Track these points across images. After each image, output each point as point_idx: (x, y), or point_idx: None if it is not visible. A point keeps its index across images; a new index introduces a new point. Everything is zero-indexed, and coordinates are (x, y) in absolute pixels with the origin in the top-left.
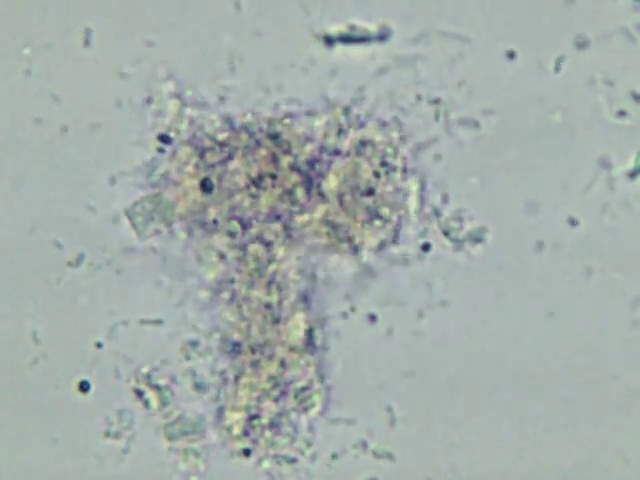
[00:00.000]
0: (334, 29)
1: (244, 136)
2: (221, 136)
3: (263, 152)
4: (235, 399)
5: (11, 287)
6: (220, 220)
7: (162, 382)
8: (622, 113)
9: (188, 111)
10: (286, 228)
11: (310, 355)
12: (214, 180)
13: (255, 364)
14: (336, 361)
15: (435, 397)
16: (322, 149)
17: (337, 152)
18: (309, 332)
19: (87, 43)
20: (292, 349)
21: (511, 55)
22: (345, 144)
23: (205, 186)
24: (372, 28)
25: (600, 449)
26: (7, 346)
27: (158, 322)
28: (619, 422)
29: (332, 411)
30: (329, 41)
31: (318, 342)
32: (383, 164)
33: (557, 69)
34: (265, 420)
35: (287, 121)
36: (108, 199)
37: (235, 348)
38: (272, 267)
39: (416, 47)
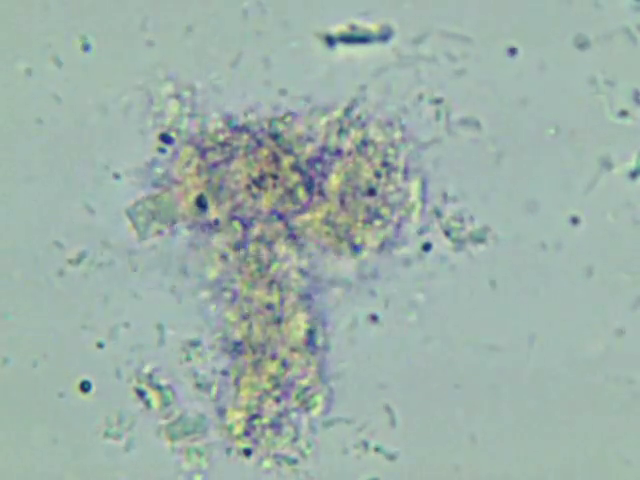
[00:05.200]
0: (336, 29)
1: (245, 136)
2: (222, 136)
3: (264, 152)
4: (236, 399)
5: (11, 287)
6: (221, 220)
7: (163, 382)
8: (623, 113)
9: (188, 111)
10: (287, 228)
11: (311, 355)
12: (208, 198)
13: (256, 364)
14: (337, 361)
15: (435, 397)
16: (323, 149)
17: (338, 152)
18: (310, 332)
19: (86, 48)
20: (293, 349)
21: (512, 51)
22: (346, 144)
23: (200, 203)
24: (373, 28)
25: (601, 449)
26: (7, 346)
27: (159, 328)
28: (620, 422)
29: (334, 411)
30: (330, 41)
31: (319, 342)
32: (384, 164)
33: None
34: (266, 420)
35: (288, 119)
36: (109, 199)
37: (236, 348)
38: (273, 267)
39: (417, 47)
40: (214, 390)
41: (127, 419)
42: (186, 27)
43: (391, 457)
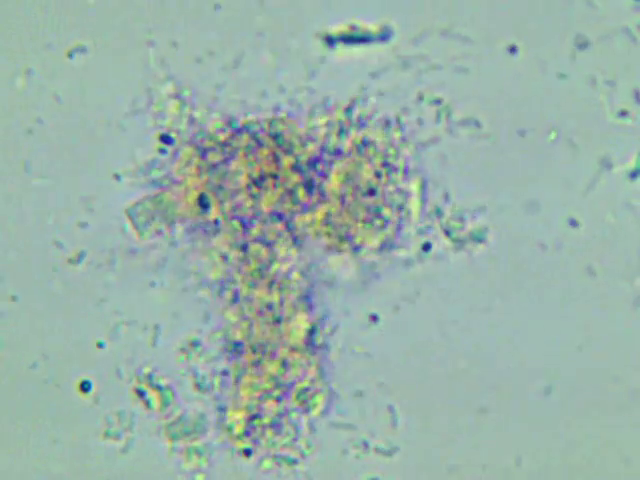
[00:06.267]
0: (335, 29)
1: (245, 136)
2: (222, 136)
3: (264, 152)
4: (236, 399)
5: (11, 287)
6: (221, 220)
7: (163, 382)
8: (623, 113)
9: (188, 111)
10: (287, 228)
11: (311, 355)
12: (211, 197)
13: (256, 364)
14: (337, 361)
15: (436, 397)
16: (323, 149)
17: (338, 152)
18: (310, 332)
19: (74, 53)
20: (293, 349)
21: (512, 49)
22: (346, 144)
23: (202, 203)
24: (373, 28)
25: (601, 449)
26: (7, 346)
27: (156, 328)
28: (620, 422)
29: (334, 411)
30: (330, 41)
31: (319, 342)
32: (384, 164)
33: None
34: (266, 420)
35: (284, 115)
36: (109, 199)
37: (237, 348)
38: (274, 267)
39: (417, 47)
40: (217, 382)
41: (127, 419)
42: (186, 27)
43: (389, 453)
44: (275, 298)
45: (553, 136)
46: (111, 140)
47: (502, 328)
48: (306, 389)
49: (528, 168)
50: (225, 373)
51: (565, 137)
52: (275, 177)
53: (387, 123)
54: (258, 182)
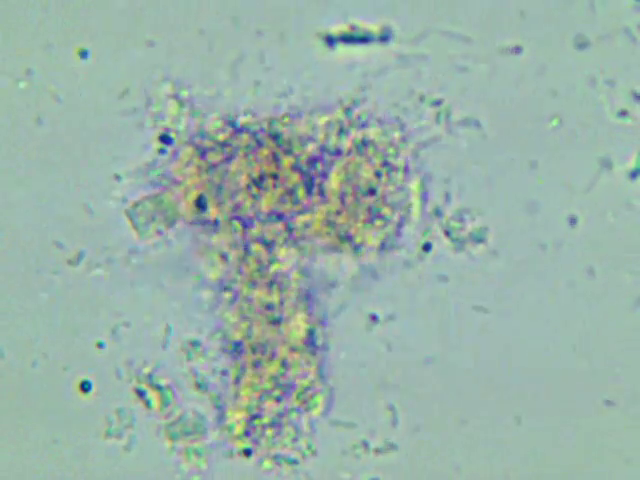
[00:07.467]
0: (336, 29)
1: (245, 136)
2: (222, 136)
3: (264, 152)
4: (236, 399)
5: (11, 287)
6: (221, 220)
7: (163, 382)
8: (623, 113)
9: (187, 111)
10: (287, 228)
11: (311, 355)
12: (208, 198)
13: (256, 364)
14: (337, 361)
15: (436, 397)
16: (323, 149)
17: (338, 152)
18: (310, 332)
19: (83, 55)
20: (293, 349)
21: (513, 50)
22: (346, 144)
23: (200, 204)
24: (374, 28)
25: (601, 449)
26: (7, 346)
27: (167, 329)
28: (620, 422)
29: (334, 411)
30: (331, 41)
31: (319, 342)
32: (384, 164)
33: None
34: (266, 420)
35: (286, 119)
36: (109, 199)
37: (236, 348)
38: (273, 267)
39: (418, 47)
40: (217, 382)
41: (127, 419)
42: (186, 27)
43: (391, 447)
44: (275, 298)
45: (555, 122)
46: (111, 140)
47: (502, 328)
48: (306, 389)
49: (528, 168)
50: (225, 373)
51: (565, 137)
52: (275, 177)
53: (387, 123)
54: (258, 182)
